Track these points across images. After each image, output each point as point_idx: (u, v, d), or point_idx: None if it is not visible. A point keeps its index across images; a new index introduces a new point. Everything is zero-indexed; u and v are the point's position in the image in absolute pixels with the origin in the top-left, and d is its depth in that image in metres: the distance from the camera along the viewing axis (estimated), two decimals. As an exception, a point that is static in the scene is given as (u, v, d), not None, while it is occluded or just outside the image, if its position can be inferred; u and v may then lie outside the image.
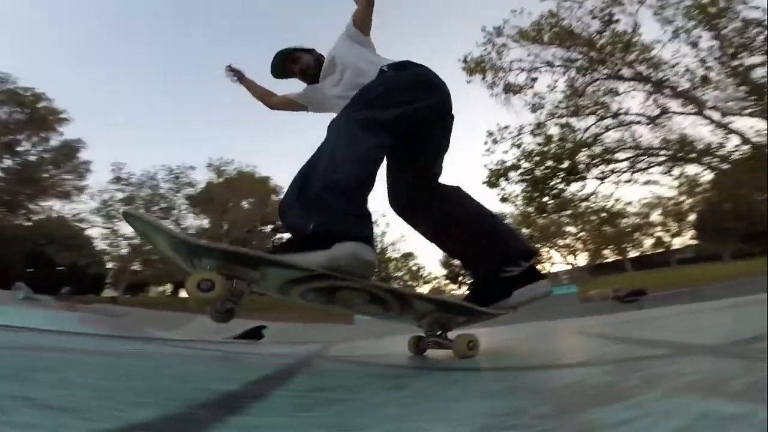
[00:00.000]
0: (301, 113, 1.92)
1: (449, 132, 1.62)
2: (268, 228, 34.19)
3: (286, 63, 1.79)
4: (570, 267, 35.91)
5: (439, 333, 1.29)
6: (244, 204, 30.75)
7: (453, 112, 1.58)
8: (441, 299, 1.27)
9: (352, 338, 5.67)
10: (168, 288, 38.70)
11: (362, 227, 1.10)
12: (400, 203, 1.62)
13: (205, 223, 29.68)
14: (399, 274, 50.57)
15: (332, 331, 12.36)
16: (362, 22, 1.66)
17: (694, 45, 14.40)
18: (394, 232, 37.83)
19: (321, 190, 1.11)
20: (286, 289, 1.08)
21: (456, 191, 1.58)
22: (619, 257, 40.80)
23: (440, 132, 1.58)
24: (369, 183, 1.20)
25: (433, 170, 1.61)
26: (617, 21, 14.71)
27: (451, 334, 1.26)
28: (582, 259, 39.59)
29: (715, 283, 12.58)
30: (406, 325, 1.46)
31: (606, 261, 41.63)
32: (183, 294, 33.42)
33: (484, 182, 17.63)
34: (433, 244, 1.57)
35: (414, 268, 51.60)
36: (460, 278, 53.06)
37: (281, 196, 1.38)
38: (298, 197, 1.19)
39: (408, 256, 48.25)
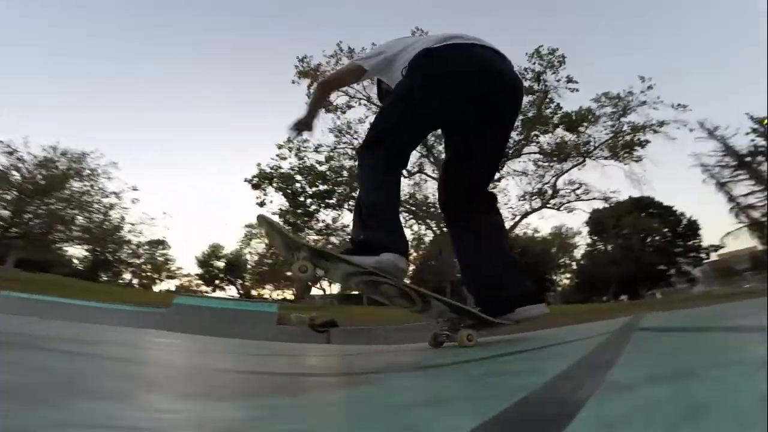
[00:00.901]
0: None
1: (500, 132, 1.75)
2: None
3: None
4: (323, 293, 37.22)
5: (449, 330, 1.64)
6: None
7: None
8: (455, 304, 1.61)
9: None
10: None
11: (396, 241, 1.54)
12: (443, 200, 1.84)
13: None
14: (137, 261, 41.37)
15: None
16: (336, 81, 2.35)
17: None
18: (138, 212, 30.31)
19: (363, 215, 1.58)
20: (347, 278, 1.57)
21: (493, 204, 1.80)
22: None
23: (490, 133, 1.70)
24: (389, 203, 1.61)
25: (477, 172, 1.75)
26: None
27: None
28: (335, 288, 43.17)
29: (390, 324, 13.08)
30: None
31: (352, 293, 47.19)
32: None
33: (247, 180, 16.67)
34: (455, 248, 1.80)
35: (161, 258, 43.65)
36: (216, 282, 47.59)
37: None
38: (358, 217, 1.61)
39: (158, 243, 40.27)
